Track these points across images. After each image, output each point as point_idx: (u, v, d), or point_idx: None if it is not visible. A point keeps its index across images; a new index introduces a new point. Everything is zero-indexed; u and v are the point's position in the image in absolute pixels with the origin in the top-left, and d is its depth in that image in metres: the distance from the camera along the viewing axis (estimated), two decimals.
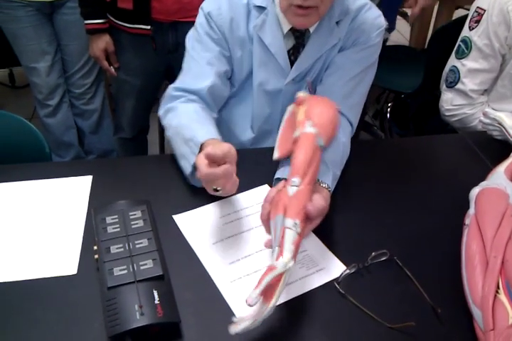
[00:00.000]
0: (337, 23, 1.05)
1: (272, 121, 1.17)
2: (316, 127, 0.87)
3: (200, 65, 1.07)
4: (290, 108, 0.99)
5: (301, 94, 0.94)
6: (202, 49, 1.08)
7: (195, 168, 0.87)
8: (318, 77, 1.12)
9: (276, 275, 0.66)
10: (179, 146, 0.97)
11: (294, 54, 1.08)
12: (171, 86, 1.09)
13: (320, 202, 0.80)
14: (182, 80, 1.09)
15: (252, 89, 1.13)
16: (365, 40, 1.07)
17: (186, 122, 0.98)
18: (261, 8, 1.03)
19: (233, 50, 1.08)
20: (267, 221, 0.78)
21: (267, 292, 0.66)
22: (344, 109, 1.06)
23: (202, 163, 0.78)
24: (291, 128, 0.94)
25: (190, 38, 1.11)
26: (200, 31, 1.07)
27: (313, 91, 1.12)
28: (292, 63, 1.09)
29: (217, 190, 0.81)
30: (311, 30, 1.05)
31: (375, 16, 1.07)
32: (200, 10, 1.08)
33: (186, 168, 0.94)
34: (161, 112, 1.08)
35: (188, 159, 0.93)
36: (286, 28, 1.05)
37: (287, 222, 0.73)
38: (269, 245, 0.77)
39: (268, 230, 0.78)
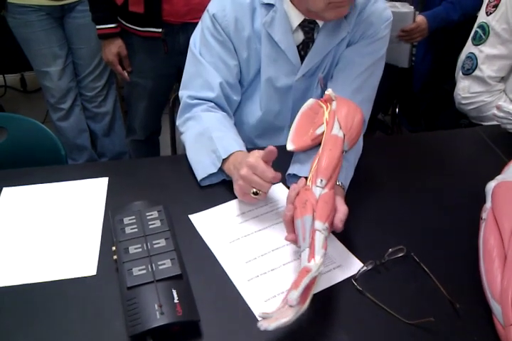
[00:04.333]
0: (345, 16, 1.04)
1: (282, 117, 1.17)
2: (344, 131, 0.87)
3: (208, 72, 1.07)
4: (310, 102, 0.98)
5: (330, 92, 0.92)
6: (209, 53, 1.08)
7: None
8: (329, 73, 1.12)
9: (312, 277, 0.67)
10: (198, 154, 1.01)
11: (303, 49, 1.08)
12: (185, 94, 1.09)
13: (345, 207, 0.81)
14: (194, 87, 1.09)
15: (260, 86, 1.13)
16: (373, 32, 1.06)
17: (210, 132, 1.00)
18: (269, 6, 1.03)
19: (239, 51, 1.08)
20: (290, 222, 0.78)
21: (302, 293, 0.66)
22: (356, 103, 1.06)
23: (260, 162, 0.85)
24: (310, 122, 0.94)
25: (197, 42, 1.10)
26: (207, 34, 1.07)
27: (324, 87, 1.12)
28: (302, 59, 1.09)
29: (256, 193, 0.86)
30: (320, 24, 1.04)
31: (383, 8, 1.06)
32: (205, 12, 1.07)
33: (201, 173, 0.98)
34: (180, 121, 1.10)
35: (205, 169, 0.98)
36: (296, 23, 1.04)
37: (318, 225, 0.74)
38: (290, 239, 0.78)
39: (290, 230, 0.78)
